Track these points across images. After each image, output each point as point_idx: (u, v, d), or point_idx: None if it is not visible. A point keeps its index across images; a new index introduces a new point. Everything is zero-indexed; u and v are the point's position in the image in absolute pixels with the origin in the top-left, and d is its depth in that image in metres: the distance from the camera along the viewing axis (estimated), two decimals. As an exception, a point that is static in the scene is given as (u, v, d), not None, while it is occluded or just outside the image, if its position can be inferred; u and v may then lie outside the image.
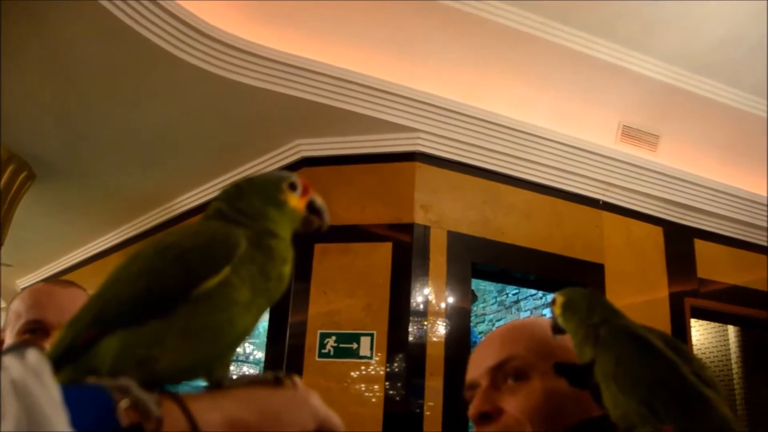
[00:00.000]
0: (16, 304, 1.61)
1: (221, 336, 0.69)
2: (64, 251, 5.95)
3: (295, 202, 0.79)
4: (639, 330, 0.91)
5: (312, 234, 0.82)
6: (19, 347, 0.56)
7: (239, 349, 6.55)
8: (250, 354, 6.38)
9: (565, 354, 1.00)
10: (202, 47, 3.12)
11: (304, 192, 0.80)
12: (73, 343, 0.68)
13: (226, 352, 0.73)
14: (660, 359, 0.85)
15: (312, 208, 0.80)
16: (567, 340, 1.00)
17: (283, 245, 0.75)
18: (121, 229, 5.28)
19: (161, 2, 2.91)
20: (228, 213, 0.76)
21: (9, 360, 0.53)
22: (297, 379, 0.73)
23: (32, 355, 0.54)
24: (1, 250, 4.26)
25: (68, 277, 5.95)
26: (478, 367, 1.06)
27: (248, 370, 6.11)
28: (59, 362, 0.65)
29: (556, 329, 1.01)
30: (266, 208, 0.77)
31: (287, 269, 0.74)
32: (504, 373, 1.02)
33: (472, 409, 1.03)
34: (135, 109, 3.61)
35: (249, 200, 0.77)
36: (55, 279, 1.81)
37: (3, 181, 4.11)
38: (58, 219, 5.19)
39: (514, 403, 0.99)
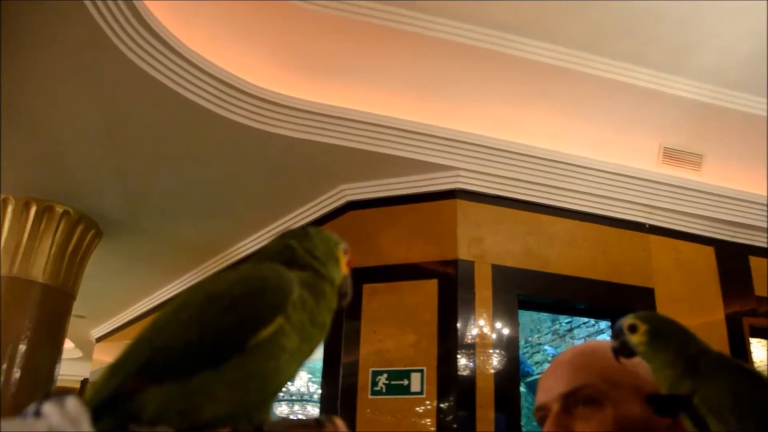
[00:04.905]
0: None
1: (267, 384, 0.69)
2: (132, 301, 6.25)
3: (343, 265, 0.84)
4: (738, 361, 0.91)
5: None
6: (59, 395, 0.59)
7: (303, 388, 6.67)
8: (314, 393, 6.50)
9: (635, 381, 1.00)
10: (246, 105, 3.31)
11: (348, 263, 0.86)
12: (117, 390, 0.66)
13: (269, 399, 0.73)
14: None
15: (345, 279, 0.85)
16: (633, 365, 1.00)
17: (332, 292, 0.79)
18: (184, 277, 5.52)
19: (203, 67, 3.12)
20: (297, 249, 0.79)
21: (48, 407, 0.55)
22: (339, 421, 0.74)
23: (71, 402, 0.57)
24: (74, 303, 4.55)
25: (137, 325, 6.24)
26: (549, 392, 1.06)
27: (311, 408, 6.22)
28: (101, 407, 0.65)
29: (627, 352, 0.98)
30: (328, 257, 0.82)
31: (329, 319, 0.77)
32: (576, 399, 1.02)
33: None
34: (188, 166, 3.83)
35: (316, 243, 0.82)
36: None
37: (74, 239, 4.41)
38: (125, 272, 5.47)
39: (587, 429, 1.00)
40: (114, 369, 0.69)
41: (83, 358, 8.75)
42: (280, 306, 0.69)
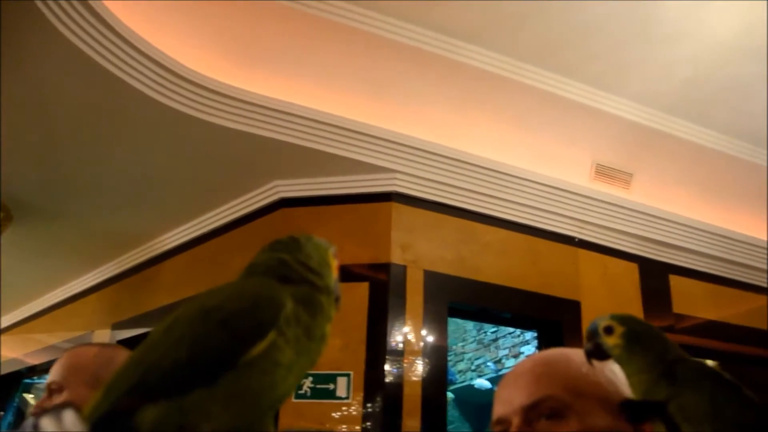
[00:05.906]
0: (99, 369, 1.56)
1: (264, 399, 0.69)
2: (42, 292, 5.90)
3: (334, 269, 0.85)
4: (716, 369, 0.90)
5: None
6: (56, 408, 0.59)
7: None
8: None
9: (598, 390, 0.96)
10: (179, 90, 3.16)
11: (338, 265, 0.88)
12: (112, 408, 0.66)
13: (268, 413, 0.73)
14: (747, 398, 0.85)
15: (336, 282, 0.86)
16: (595, 374, 0.97)
17: (329, 302, 0.79)
18: (101, 268, 5.26)
19: (138, 46, 2.95)
20: (290, 263, 0.78)
21: (46, 421, 0.56)
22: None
23: (68, 417, 0.57)
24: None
25: (46, 318, 5.90)
26: (508, 404, 1.01)
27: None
28: (97, 426, 0.64)
29: (601, 355, 0.95)
30: (322, 265, 0.81)
31: (329, 329, 0.78)
32: (538, 412, 0.97)
33: None
34: (114, 150, 3.63)
35: (309, 253, 0.81)
36: (108, 344, 1.87)
37: (-19, 222, 4.11)
38: (35, 260, 5.16)
39: None
40: (108, 388, 0.69)
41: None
42: (272, 322, 0.69)
